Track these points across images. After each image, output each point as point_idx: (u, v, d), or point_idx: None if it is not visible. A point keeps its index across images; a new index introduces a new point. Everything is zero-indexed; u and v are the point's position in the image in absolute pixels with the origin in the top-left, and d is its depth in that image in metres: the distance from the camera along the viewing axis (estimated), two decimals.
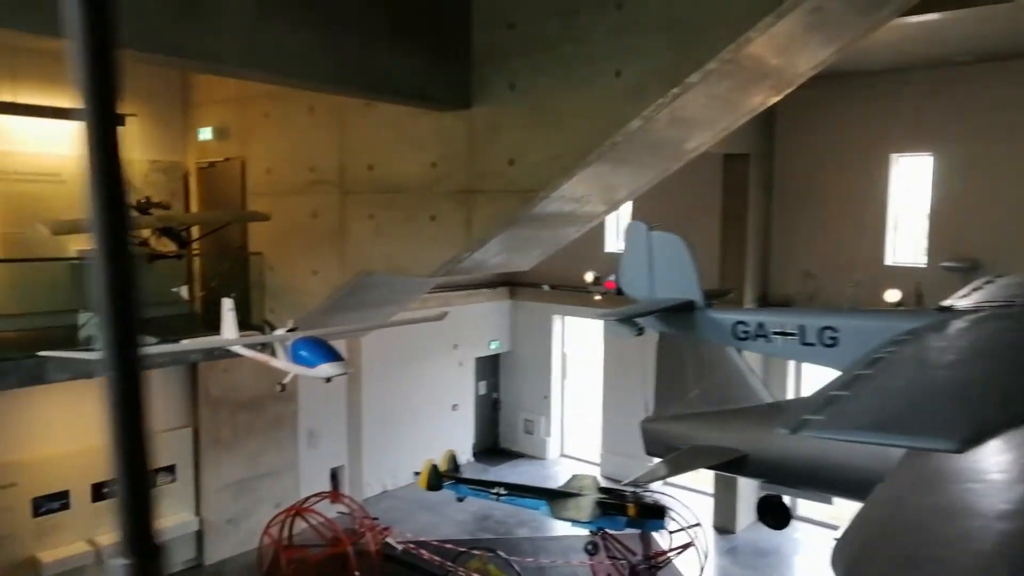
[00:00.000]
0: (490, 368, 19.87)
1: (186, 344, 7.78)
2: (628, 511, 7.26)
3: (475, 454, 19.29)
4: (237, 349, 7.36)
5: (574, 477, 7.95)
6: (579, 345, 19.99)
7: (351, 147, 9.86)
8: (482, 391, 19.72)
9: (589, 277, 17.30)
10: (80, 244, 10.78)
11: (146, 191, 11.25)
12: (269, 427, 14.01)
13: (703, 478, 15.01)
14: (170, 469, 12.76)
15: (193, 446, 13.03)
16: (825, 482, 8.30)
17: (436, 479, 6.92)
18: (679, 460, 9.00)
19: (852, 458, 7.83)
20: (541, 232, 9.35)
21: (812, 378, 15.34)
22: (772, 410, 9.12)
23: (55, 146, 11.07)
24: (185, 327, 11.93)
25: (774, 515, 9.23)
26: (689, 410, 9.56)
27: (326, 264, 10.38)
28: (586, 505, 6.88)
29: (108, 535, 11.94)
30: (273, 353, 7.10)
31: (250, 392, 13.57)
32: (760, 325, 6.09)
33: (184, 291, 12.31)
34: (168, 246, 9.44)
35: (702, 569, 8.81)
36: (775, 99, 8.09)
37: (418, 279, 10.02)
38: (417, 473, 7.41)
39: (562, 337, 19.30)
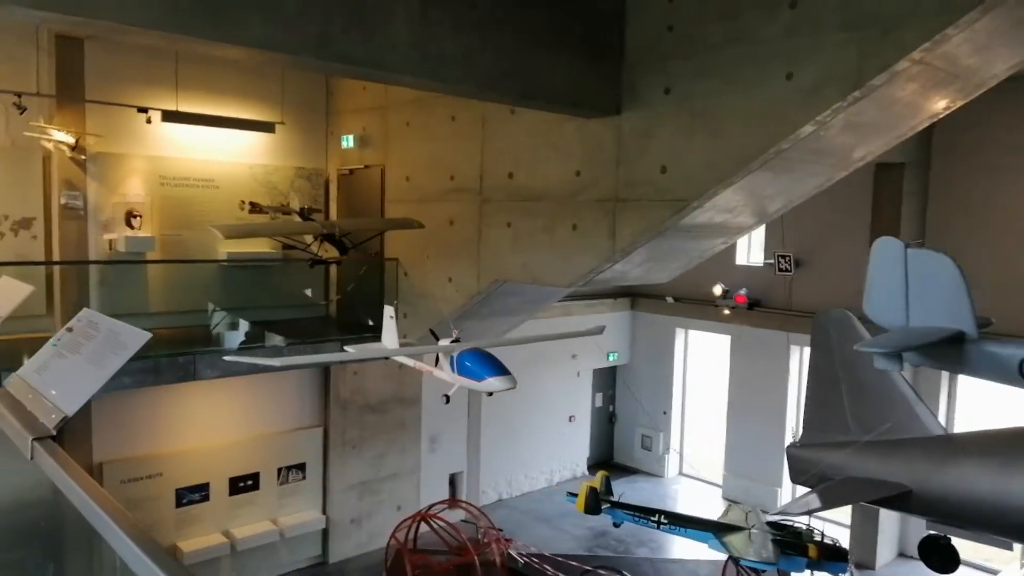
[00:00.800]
0: (607, 380, 19.46)
1: (352, 352, 7.81)
2: (809, 552, 6.66)
3: (589, 467, 18.92)
4: (400, 359, 7.35)
5: (730, 507, 7.41)
6: (703, 360, 19.30)
7: (491, 155, 9.79)
8: (598, 403, 19.33)
9: (717, 290, 16.64)
10: (230, 247, 11.24)
11: (291, 197, 11.63)
12: (393, 430, 14.16)
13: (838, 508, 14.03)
14: (301, 467, 13.10)
15: (323, 445, 13.32)
16: (1008, 526, 7.45)
17: (595, 503, 6.59)
18: (834, 492, 8.34)
19: None
20: (687, 244, 8.95)
21: (967, 406, 14.11)
22: (943, 443, 8.33)
23: (212, 153, 11.62)
24: (320, 329, 12.26)
25: (941, 557, 8.41)
26: (845, 438, 8.87)
27: (461, 271, 10.35)
28: (761, 542, 6.32)
29: (243, 527, 12.37)
30: (437, 364, 7.04)
31: (377, 395, 13.77)
32: None
33: (309, 292, 12.67)
34: (330, 251, 9.62)
35: None
36: (960, 103, 7.38)
37: (554, 289, 9.81)
38: (572, 495, 7.09)
39: (684, 351, 18.64)
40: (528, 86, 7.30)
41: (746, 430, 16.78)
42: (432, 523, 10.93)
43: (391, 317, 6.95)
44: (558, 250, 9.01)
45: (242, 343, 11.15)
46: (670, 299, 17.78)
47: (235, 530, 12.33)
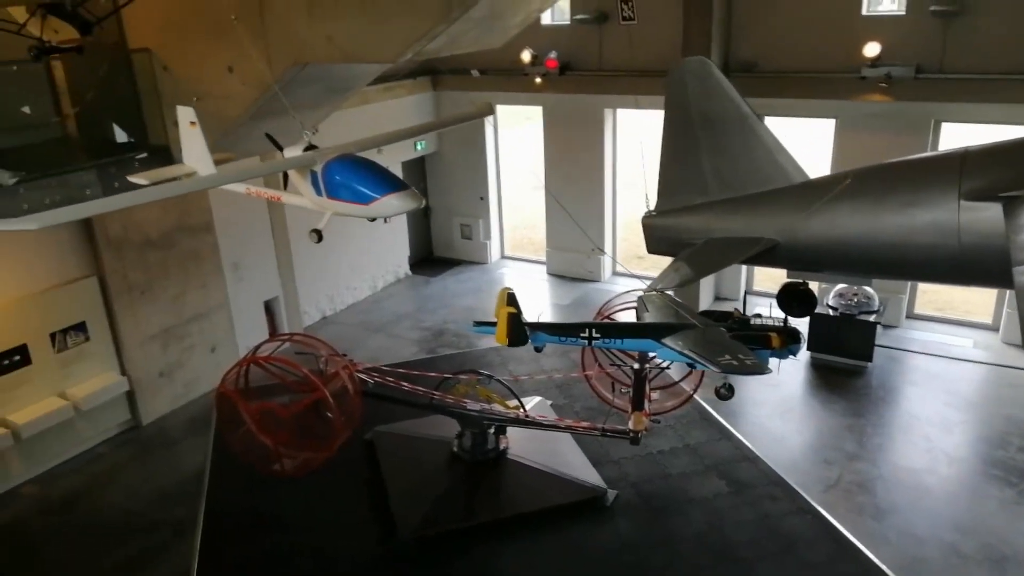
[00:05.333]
0: (418, 172, 17.94)
1: (148, 185, 5.00)
2: (772, 342, 5.81)
3: (411, 266, 17.94)
4: (231, 187, 5.13)
5: (644, 300, 6.34)
6: (517, 137, 18.30)
7: None
8: None
9: (526, 56, 15.19)
10: None
11: None
12: (187, 265, 11.96)
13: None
14: (80, 327, 10.72)
15: (103, 297, 10.92)
16: (877, 264, 7.40)
17: (520, 331, 5.03)
18: (703, 257, 7.84)
19: (915, 236, 6.89)
20: None
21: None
22: (807, 190, 8.00)
23: None
24: (61, 154, 9.39)
25: (801, 302, 8.44)
26: (705, 199, 8.32)
27: (245, 55, 7.98)
28: (724, 343, 5.26)
29: (22, 411, 10.13)
30: (286, 186, 5.01)
31: (157, 227, 11.36)
32: None
33: (28, 109, 9.55)
34: (65, 32, 6.20)
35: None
36: None
37: (371, 67, 7.90)
38: (481, 324, 5.38)
39: (495, 129, 17.37)
40: None
41: (566, 203, 16.31)
42: (265, 366, 9.38)
43: (192, 123, 4.67)
44: (374, 12, 7.00)
45: None
46: (476, 72, 16.11)
47: (12, 416, 10.07)
